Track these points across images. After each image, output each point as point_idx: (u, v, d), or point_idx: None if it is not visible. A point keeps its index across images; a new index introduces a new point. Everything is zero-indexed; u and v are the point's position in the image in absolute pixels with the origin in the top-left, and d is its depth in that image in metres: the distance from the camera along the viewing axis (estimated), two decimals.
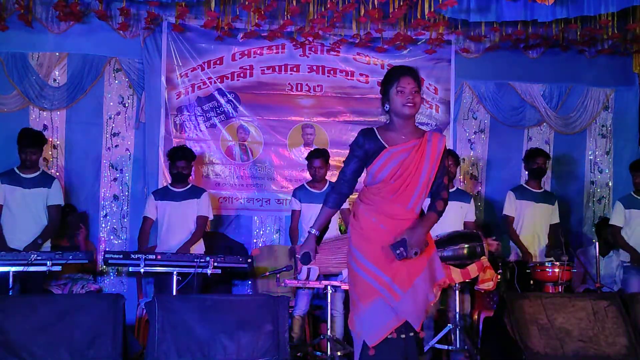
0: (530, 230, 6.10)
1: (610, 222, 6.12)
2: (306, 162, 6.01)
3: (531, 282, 5.72)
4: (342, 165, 3.35)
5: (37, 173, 5.49)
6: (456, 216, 5.74)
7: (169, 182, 6.02)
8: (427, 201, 3.35)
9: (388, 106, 3.28)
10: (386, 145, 3.23)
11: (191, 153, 5.86)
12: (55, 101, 6.39)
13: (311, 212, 5.80)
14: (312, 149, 6.15)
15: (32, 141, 5.39)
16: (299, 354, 5.20)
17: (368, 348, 3.15)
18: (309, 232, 3.34)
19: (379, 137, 3.26)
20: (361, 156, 3.26)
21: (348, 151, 3.33)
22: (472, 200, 6.10)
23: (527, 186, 6.25)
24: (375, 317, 3.15)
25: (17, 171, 5.43)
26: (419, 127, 3.40)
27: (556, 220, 6.24)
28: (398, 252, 3.10)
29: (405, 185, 3.22)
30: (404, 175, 3.21)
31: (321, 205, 5.70)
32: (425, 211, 3.33)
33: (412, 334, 3.21)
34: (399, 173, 3.20)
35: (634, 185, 6.11)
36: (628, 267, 5.91)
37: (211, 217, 5.90)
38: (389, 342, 3.15)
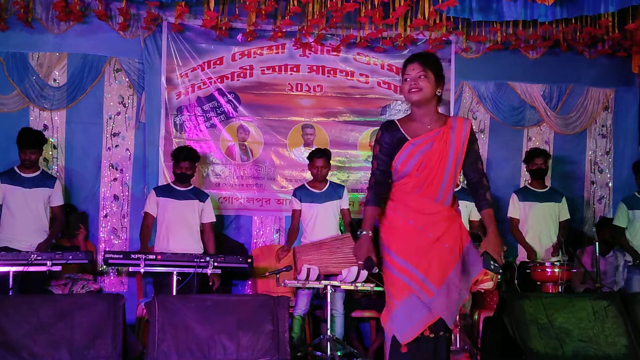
0: (537, 230, 6.09)
1: (614, 223, 6.12)
2: (307, 161, 6.01)
3: (532, 282, 5.71)
4: (373, 164, 3.23)
5: (38, 173, 5.49)
6: (462, 215, 5.72)
7: (170, 181, 6.02)
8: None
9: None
10: (408, 137, 3.15)
11: (195, 154, 5.88)
12: (55, 101, 6.38)
13: (311, 212, 5.80)
14: (315, 149, 6.14)
15: (32, 141, 5.39)
16: (299, 354, 5.19)
17: (399, 345, 3.08)
18: (363, 234, 3.12)
19: (400, 128, 3.18)
20: (388, 150, 3.17)
21: (373, 149, 3.24)
22: None
23: (530, 187, 6.25)
24: (409, 314, 3.08)
25: (17, 171, 5.43)
26: (442, 113, 3.29)
27: (565, 216, 6.23)
28: (493, 268, 3.04)
29: (431, 178, 3.14)
30: (429, 167, 3.13)
31: (320, 205, 5.77)
32: (480, 210, 3.27)
33: (443, 333, 3.14)
34: (424, 165, 3.13)
35: (638, 185, 6.10)
36: (632, 267, 5.92)
37: (214, 220, 5.96)
38: (421, 340, 3.09)
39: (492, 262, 3.03)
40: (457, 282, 3.14)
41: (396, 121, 3.23)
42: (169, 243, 5.61)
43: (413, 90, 3.15)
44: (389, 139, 3.17)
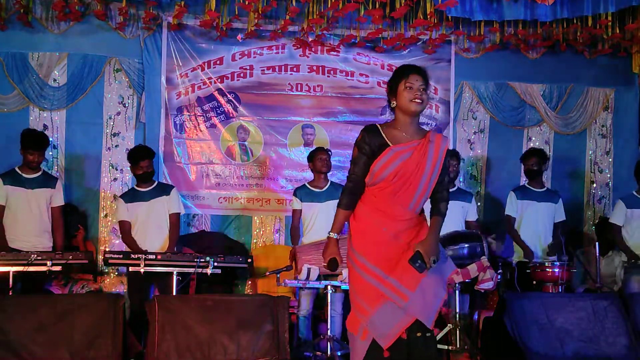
0: (532, 229, 6.08)
1: (610, 221, 6.10)
2: (308, 162, 5.95)
3: (532, 282, 5.71)
4: (350, 166, 3.30)
5: (39, 173, 5.47)
6: (457, 216, 5.73)
7: (166, 182, 5.98)
8: (427, 202, 3.35)
9: (395, 103, 3.27)
10: (390, 144, 3.21)
11: (150, 151, 5.71)
12: (55, 101, 6.39)
13: (312, 211, 5.78)
14: (315, 147, 6.12)
15: (38, 143, 5.35)
16: (306, 354, 5.18)
17: (379, 349, 3.15)
18: (329, 237, 3.30)
19: (382, 134, 3.23)
20: (368, 154, 3.22)
21: (353, 151, 3.30)
22: (474, 199, 6.10)
23: (528, 186, 6.23)
24: (386, 319, 3.14)
25: (19, 172, 5.41)
26: (422, 126, 3.39)
27: (561, 217, 6.20)
28: (417, 265, 3.12)
29: (407, 185, 3.20)
30: (406, 175, 3.19)
31: (321, 204, 5.74)
32: (429, 215, 3.33)
33: (426, 334, 3.21)
34: (401, 172, 3.19)
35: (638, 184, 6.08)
36: (628, 268, 5.90)
37: (183, 212, 5.82)
38: (399, 342, 3.15)
39: (418, 261, 3.11)
40: (432, 284, 3.20)
41: (378, 126, 3.28)
42: (145, 243, 5.51)
43: (417, 100, 3.22)
44: (371, 143, 3.22)
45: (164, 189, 5.72)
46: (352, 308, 3.27)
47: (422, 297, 3.17)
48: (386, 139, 3.23)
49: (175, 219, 5.67)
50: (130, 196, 5.68)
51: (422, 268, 3.11)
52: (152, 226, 5.58)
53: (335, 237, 3.29)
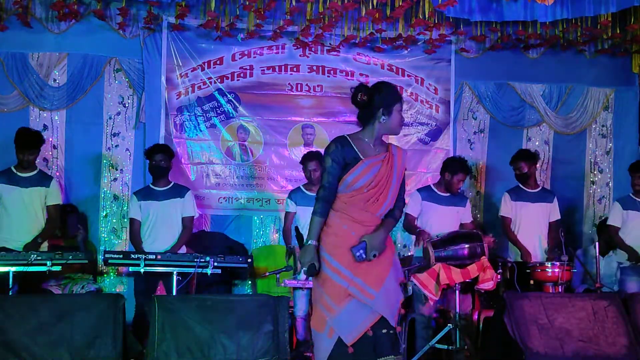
0: (528, 230, 6.07)
1: (608, 223, 6.09)
2: (301, 165, 5.95)
3: (531, 282, 5.71)
4: (324, 175, 3.43)
5: (35, 172, 5.46)
6: (452, 220, 5.71)
7: (150, 183, 5.94)
8: None
9: (385, 119, 3.43)
10: (362, 157, 3.39)
11: (168, 148, 5.78)
12: (55, 101, 6.39)
13: (307, 214, 5.71)
14: (306, 152, 6.10)
15: (30, 142, 5.35)
16: (306, 354, 5.18)
17: (344, 346, 3.32)
18: (309, 244, 3.40)
19: (354, 146, 3.41)
20: (341, 164, 3.39)
21: (325, 160, 3.43)
22: (468, 202, 6.06)
23: (522, 186, 6.21)
24: (352, 317, 3.32)
25: (14, 170, 5.41)
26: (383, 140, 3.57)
27: (556, 217, 6.19)
28: (358, 254, 3.34)
29: (377, 195, 3.40)
30: (378, 186, 3.39)
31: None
32: (385, 217, 3.54)
33: (388, 330, 3.39)
34: (374, 184, 3.39)
35: (632, 186, 6.08)
36: (625, 268, 5.90)
37: (196, 215, 5.84)
38: (364, 339, 3.34)
39: (360, 251, 3.33)
40: (394, 285, 3.44)
41: (348, 138, 3.46)
42: (155, 244, 5.52)
43: (402, 126, 3.53)
44: (343, 155, 3.39)
45: (179, 191, 5.72)
46: (318, 308, 3.42)
47: (386, 296, 3.36)
48: (357, 151, 3.40)
49: (188, 222, 5.69)
50: (143, 194, 5.70)
51: (360, 258, 3.32)
52: (162, 227, 5.59)
53: (314, 244, 3.38)
